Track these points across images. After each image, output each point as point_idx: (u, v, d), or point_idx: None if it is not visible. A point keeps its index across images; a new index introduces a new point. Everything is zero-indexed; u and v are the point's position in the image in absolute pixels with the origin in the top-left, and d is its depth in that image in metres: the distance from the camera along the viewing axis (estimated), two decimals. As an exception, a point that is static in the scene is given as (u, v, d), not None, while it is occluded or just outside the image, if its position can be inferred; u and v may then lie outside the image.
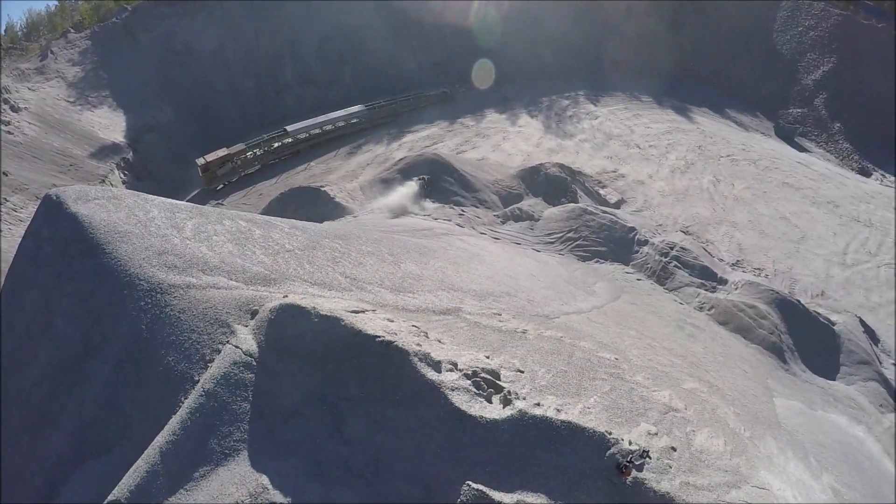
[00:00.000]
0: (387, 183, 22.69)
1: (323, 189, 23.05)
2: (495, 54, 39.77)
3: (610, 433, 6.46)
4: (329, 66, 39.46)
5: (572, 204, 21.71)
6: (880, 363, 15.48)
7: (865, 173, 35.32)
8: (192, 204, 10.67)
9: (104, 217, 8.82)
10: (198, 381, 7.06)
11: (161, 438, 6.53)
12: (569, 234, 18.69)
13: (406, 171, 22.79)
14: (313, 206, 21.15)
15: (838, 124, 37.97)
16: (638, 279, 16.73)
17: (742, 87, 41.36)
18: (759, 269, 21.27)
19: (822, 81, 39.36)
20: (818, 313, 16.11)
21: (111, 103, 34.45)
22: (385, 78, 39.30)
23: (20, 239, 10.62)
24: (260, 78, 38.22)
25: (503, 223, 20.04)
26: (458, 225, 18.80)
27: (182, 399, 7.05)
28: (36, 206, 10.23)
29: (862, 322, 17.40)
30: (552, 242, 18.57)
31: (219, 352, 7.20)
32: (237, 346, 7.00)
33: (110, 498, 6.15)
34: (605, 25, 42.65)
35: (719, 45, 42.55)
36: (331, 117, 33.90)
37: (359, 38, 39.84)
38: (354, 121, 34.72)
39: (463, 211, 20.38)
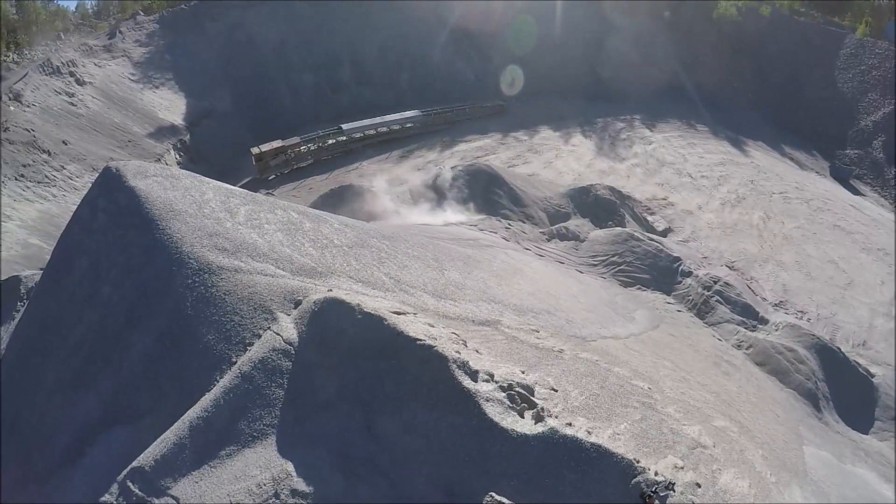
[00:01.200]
0: (437, 189, 22.82)
1: (372, 189, 23.31)
2: (548, 69, 39.74)
3: (637, 461, 6.36)
4: (387, 69, 39.91)
5: (619, 228, 21.51)
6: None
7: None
8: (246, 191, 10.91)
9: (160, 194, 9.09)
10: (235, 363, 7.20)
11: (192, 413, 6.68)
12: (613, 258, 18.52)
13: (456, 180, 22.86)
14: (362, 205, 21.40)
15: (895, 169, 36.78)
16: (678, 310, 16.46)
17: (800, 123, 40.45)
18: (801, 311, 20.69)
19: (882, 123, 38.17)
20: (858, 363, 15.61)
21: (172, 86, 35.40)
22: (441, 85, 39.57)
23: (74, 206, 10.97)
24: (318, 75, 38.80)
25: (548, 240, 19.95)
26: (503, 238, 18.77)
27: (217, 378, 7.21)
28: (93, 177, 10.57)
29: (901, 376, 16.84)
30: (595, 265, 18.41)
31: (259, 336, 7.33)
32: (278, 333, 7.12)
33: (135, 464, 6.31)
34: (665, 49, 42.25)
35: (779, 79, 41.70)
36: (386, 119, 34.19)
37: (418, 44, 40.23)
38: (409, 125, 34.96)
39: (510, 224, 20.34)
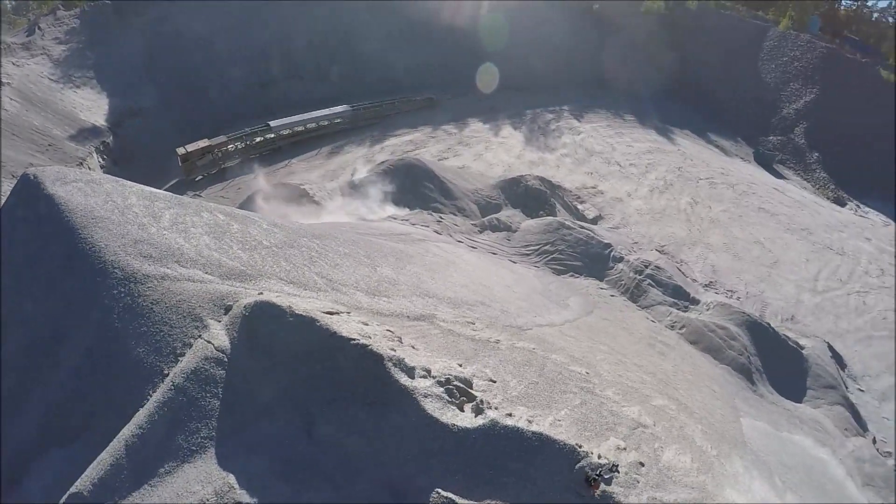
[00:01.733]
0: (367, 185, 22.61)
1: (302, 187, 22.91)
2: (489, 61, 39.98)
3: (580, 446, 6.50)
4: (318, 63, 39.23)
5: (550, 217, 21.81)
6: (846, 388, 15.79)
7: (840, 203, 36.05)
8: (171, 193, 10.53)
9: (81, 200, 8.68)
10: (167, 375, 6.96)
11: (127, 431, 6.42)
12: (545, 247, 18.78)
13: (387, 175, 22.74)
14: (291, 203, 21.01)
15: (816, 154, 38.77)
16: (612, 295, 16.88)
17: (724, 111, 42.08)
18: (731, 291, 21.57)
19: (804, 111, 40.17)
20: (787, 337, 16.37)
21: (95, 85, 33.79)
22: (373, 79, 39.15)
23: (-8, 217, 10.35)
24: (247, 70, 37.78)
25: (480, 232, 20.06)
26: (435, 231, 18.77)
27: (150, 392, 6.95)
28: (11, 185, 10.02)
29: (830, 347, 17.75)
30: (528, 254, 18.64)
31: (190, 346, 7.11)
32: (209, 342, 6.92)
33: (72, 490, 6.02)
34: (597, 41, 43.16)
35: (705, 69, 43.23)
36: (315, 115, 33.61)
37: (349, 38, 39.68)
38: (338, 121, 34.50)
39: (441, 218, 20.33)
